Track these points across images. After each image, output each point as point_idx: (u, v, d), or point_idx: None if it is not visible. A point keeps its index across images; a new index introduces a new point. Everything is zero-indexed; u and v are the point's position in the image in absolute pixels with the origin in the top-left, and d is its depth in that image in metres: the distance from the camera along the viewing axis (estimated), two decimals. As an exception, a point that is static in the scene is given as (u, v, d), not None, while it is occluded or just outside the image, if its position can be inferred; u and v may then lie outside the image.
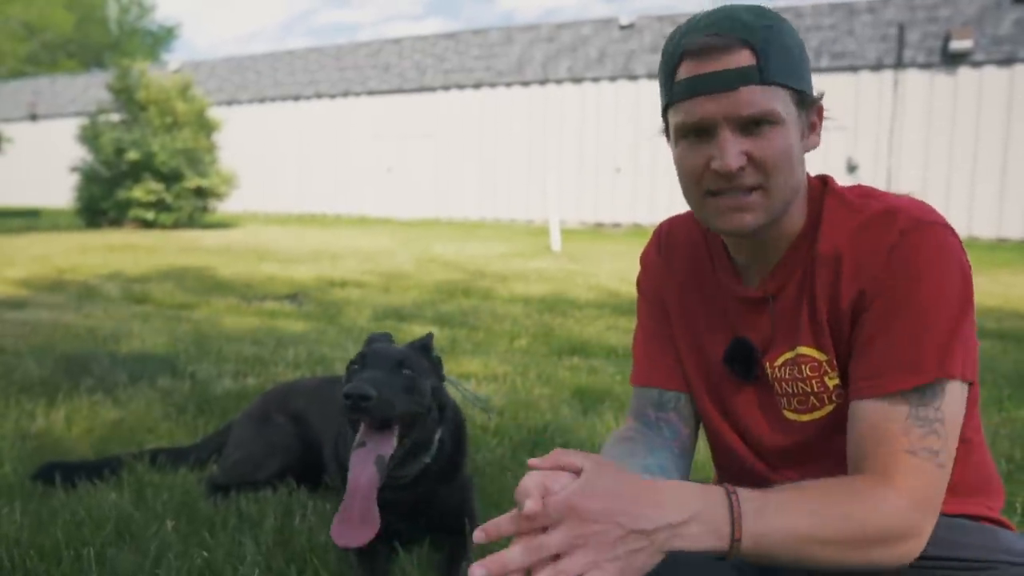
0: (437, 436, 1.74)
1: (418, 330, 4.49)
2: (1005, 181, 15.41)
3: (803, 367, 1.11)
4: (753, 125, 1.00)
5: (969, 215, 15.59)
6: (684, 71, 1.02)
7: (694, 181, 1.06)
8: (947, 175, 15.80)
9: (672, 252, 1.28)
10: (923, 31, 16.05)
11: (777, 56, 0.99)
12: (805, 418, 1.13)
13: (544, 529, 0.84)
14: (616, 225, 18.49)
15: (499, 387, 3.29)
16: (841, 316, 1.06)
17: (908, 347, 0.98)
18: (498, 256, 10.01)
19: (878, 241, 1.02)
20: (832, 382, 1.09)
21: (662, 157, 17.92)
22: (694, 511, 0.85)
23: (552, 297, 6.18)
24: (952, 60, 15.72)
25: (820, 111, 1.09)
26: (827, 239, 1.07)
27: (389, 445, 1.56)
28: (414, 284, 6.96)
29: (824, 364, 1.09)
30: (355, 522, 1.50)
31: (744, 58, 0.98)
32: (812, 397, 1.11)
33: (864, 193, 1.10)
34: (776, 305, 1.13)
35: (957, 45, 15.42)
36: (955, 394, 0.98)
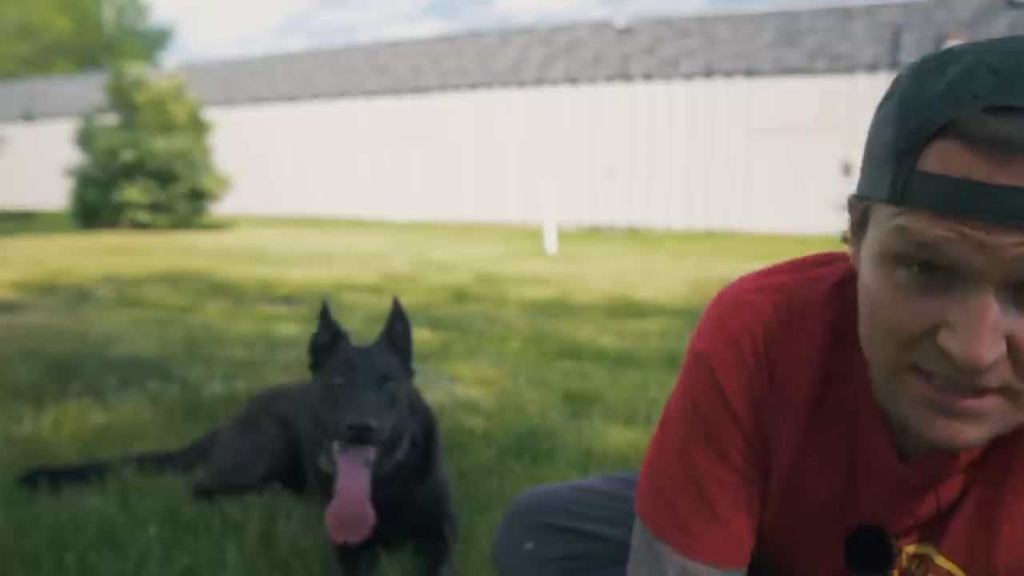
0: (409, 433, 1.76)
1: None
2: (999, 184, 15.47)
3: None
4: None
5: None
6: (943, 160, 0.58)
7: (896, 344, 0.65)
8: (942, 178, 15.84)
9: (782, 380, 0.81)
10: (918, 33, 16.10)
11: None
12: None
13: None
14: (612, 228, 18.51)
15: (489, 391, 3.29)
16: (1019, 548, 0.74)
17: None
18: (493, 259, 10.01)
19: None
20: None
21: (658, 160, 17.97)
22: None
23: (546, 300, 6.18)
24: (947, 63, 15.77)
25: None
26: None
27: (370, 451, 1.59)
28: (408, 287, 6.95)
29: None
30: (351, 520, 1.53)
31: None
32: None
33: None
34: (936, 494, 0.78)
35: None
36: None
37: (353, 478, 1.56)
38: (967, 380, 0.61)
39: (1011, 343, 0.60)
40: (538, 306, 5.84)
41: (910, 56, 16.06)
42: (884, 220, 0.63)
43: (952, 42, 15.48)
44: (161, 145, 15.10)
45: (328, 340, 1.76)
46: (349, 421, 1.49)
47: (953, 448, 0.68)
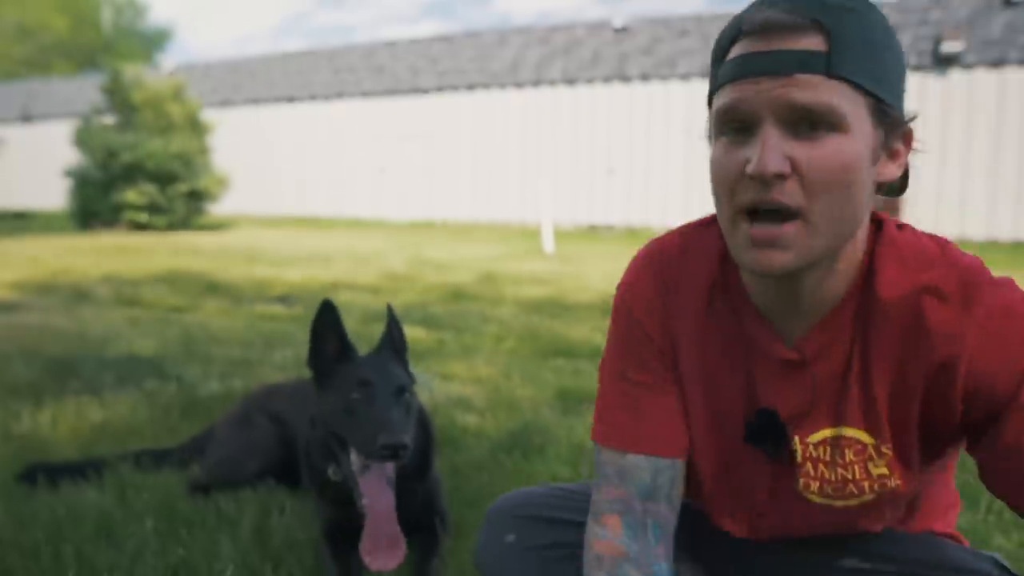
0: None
1: (406, 333, 4.52)
2: (996, 182, 15.50)
3: (846, 451, 0.95)
4: (807, 126, 0.80)
5: (960, 216, 15.67)
6: (737, 50, 0.84)
7: (726, 191, 0.85)
8: (938, 176, 15.87)
9: (678, 292, 1.02)
10: (914, 33, 16.14)
11: (855, 48, 0.80)
12: (839, 504, 0.99)
13: None
14: (609, 227, 18.55)
15: (482, 388, 3.32)
16: (907, 398, 0.90)
17: None
18: (490, 258, 10.05)
19: (960, 317, 0.85)
20: (877, 471, 0.94)
21: (656, 159, 18.01)
22: None
23: (542, 299, 6.22)
24: (943, 62, 15.81)
25: (909, 138, 0.88)
26: (886, 300, 0.89)
27: (390, 467, 1.62)
28: (405, 286, 6.99)
29: (871, 448, 0.93)
30: (385, 546, 1.56)
31: (812, 42, 0.79)
32: (851, 485, 0.96)
33: (919, 250, 0.92)
34: (816, 371, 0.94)
35: (948, 47, 15.51)
36: None
37: (379, 499, 1.58)
38: (769, 195, 0.81)
39: (794, 165, 0.80)
40: (534, 305, 5.87)
41: (907, 56, 16.00)
42: (713, 106, 0.88)
43: (949, 42, 15.54)
44: (159, 146, 15.12)
45: (336, 348, 1.74)
46: (384, 441, 1.48)
47: (772, 273, 0.85)
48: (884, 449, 0.93)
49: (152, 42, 45.77)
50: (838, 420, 0.94)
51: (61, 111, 25.96)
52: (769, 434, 0.98)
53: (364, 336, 4.52)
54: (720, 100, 0.85)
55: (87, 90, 23.80)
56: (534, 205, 17.50)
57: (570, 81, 19.38)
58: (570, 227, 18.58)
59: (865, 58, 0.81)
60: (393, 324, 1.82)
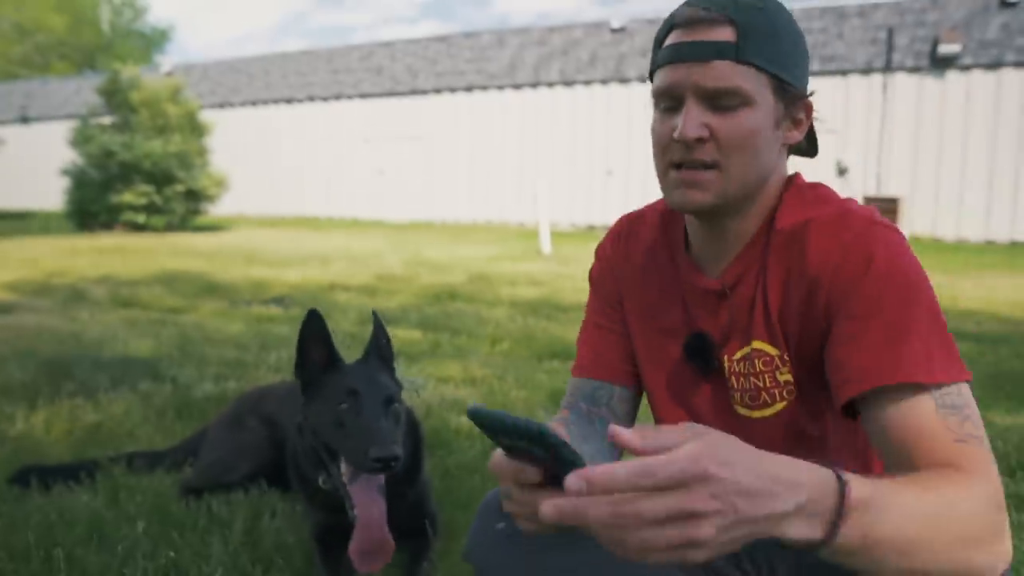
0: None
1: (402, 334, 4.54)
2: (993, 184, 15.53)
3: (756, 361, 1.10)
4: (721, 102, 1.00)
5: (958, 217, 15.70)
6: (670, 39, 1.05)
7: (660, 150, 1.07)
8: (935, 177, 15.91)
9: (629, 245, 1.27)
10: (912, 35, 16.17)
11: (760, 38, 1.00)
12: (756, 415, 1.13)
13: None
14: (607, 228, 18.53)
15: (476, 390, 3.33)
16: (791, 311, 1.06)
17: (912, 341, 0.93)
18: (487, 259, 10.06)
19: (832, 240, 1.01)
20: (783, 377, 1.09)
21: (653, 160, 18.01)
22: (803, 500, 0.71)
23: (538, 300, 6.23)
24: (940, 64, 15.83)
25: (809, 109, 1.08)
26: (779, 232, 1.07)
27: (381, 476, 1.63)
28: (402, 287, 7.00)
29: (776, 359, 1.09)
30: (374, 550, 1.57)
31: (724, 34, 1.00)
32: (764, 393, 1.11)
33: (822, 193, 1.09)
34: (733, 298, 1.12)
35: (945, 49, 15.54)
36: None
37: (370, 507, 1.58)
38: (693, 155, 1.02)
39: (711, 131, 1.01)
40: (530, 306, 5.88)
41: (904, 57, 16.14)
42: (653, 88, 1.07)
43: (946, 44, 15.57)
44: (157, 146, 15.12)
45: (323, 357, 1.73)
46: (376, 454, 1.49)
47: (694, 208, 1.06)
48: (786, 357, 1.09)
49: (151, 42, 45.74)
50: (748, 337, 1.11)
51: (59, 112, 25.95)
52: (702, 352, 1.16)
53: (360, 337, 4.53)
54: (657, 80, 1.06)
55: (85, 91, 23.82)
56: (532, 206, 17.51)
57: (568, 82, 19.40)
58: (568, 227, 18.60)
59: (768, 46, 1.01)
60: (379, 331, 1.81)
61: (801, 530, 0.72)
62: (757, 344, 1.10)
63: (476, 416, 0.72)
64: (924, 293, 0.97)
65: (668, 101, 1.05)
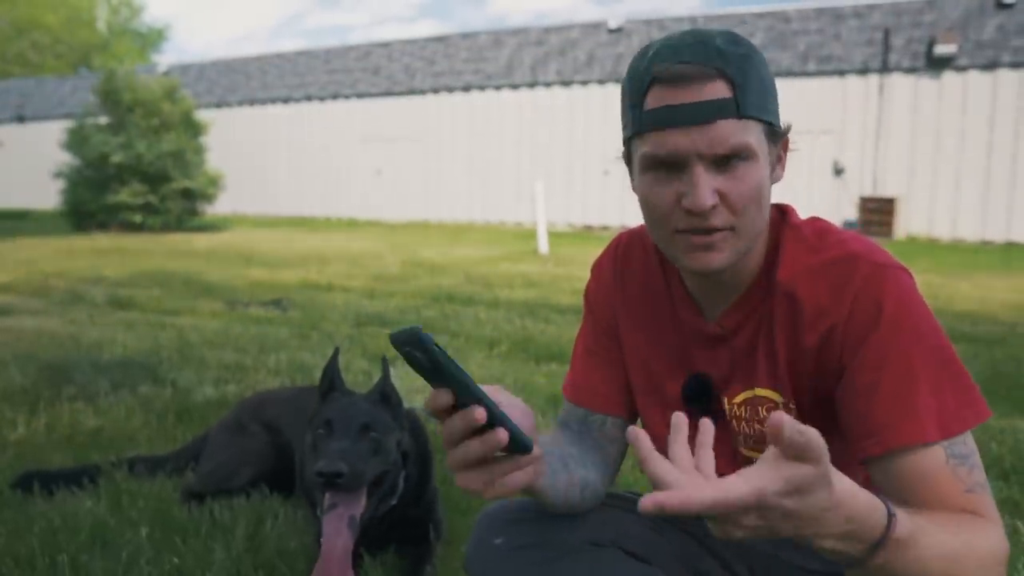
0: (402, 478, 1.80)
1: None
2: (989, 184, 15.58)
3: (759, 408, 1.10)
4: (726, 161, 0.95)
5: (953, 218, 15.76)
6: (654, 99, 0.95)
7: (660, 217, 1.01)
8: (932, 178, 15.96)
9: (626, 272, 1.23)
10: (908, 36, 16.21)
11: (753, 88, 0.95)
12: (759, 456, 1.11)
13: None
14: (605, 228, 18.59)
15: (475, 393, 3.34)
16: (802, 358, 1.04)
17: (925, 393, 0.95)
18: (485, 259, 10.07)
19: (842, 287, 0.99)
20: None
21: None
22: (853, 528, 0.77)
23: (535, 302, 6.24)
24: (937, 64, 15.88)
25: (786, 144, 1.06)
26: (785, 278, 1.05)
27: (359, 505, 1.63)
28: (399, 288, 7.01)
29: (780, 406, 1.08)
30: None
31: (720, 89, 0.93)
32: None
33: (821, 230, 1.07)
34: (734, 343, 1.11)
35: (941, 50, 15.59)
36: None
37: (334, 539, 1.57)
38: (702, 222, 0.97)
39: (721, 195, 0.96)
40: (528, 307, 5.90)
41: (900, 58, 16.18)
42: (637, 149, 1.00)
43: (942, 45, 15.61)
44: (153, 146, 15.10)
45: (326, 387, 1.82)
46: (318, 468, 1.54)
47: (710, 271, 1.00)
48: (791, 405, 1.08)
49: (148, 41, 45.64)
50: (751, 382, 1.10)
51: (55, 111, 25.91)
52: (701, 395, 1.15)
53: (358, 340, 4.54)
54: (648, 145, 0.97)
55: (81, 90, 23.79)
56: (529, 206, 17.53)
57: (565, 82, 19.42)
58: (565, 228, 18.62)
59: (759, 94, 0.96)
60: (386, 380, 1.85)
61: (838, 546, 0.78)
62: (761, 391, 1.10)
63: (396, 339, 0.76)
64: (934, 339, 0.97)
65: (665, 167, 0.98)
